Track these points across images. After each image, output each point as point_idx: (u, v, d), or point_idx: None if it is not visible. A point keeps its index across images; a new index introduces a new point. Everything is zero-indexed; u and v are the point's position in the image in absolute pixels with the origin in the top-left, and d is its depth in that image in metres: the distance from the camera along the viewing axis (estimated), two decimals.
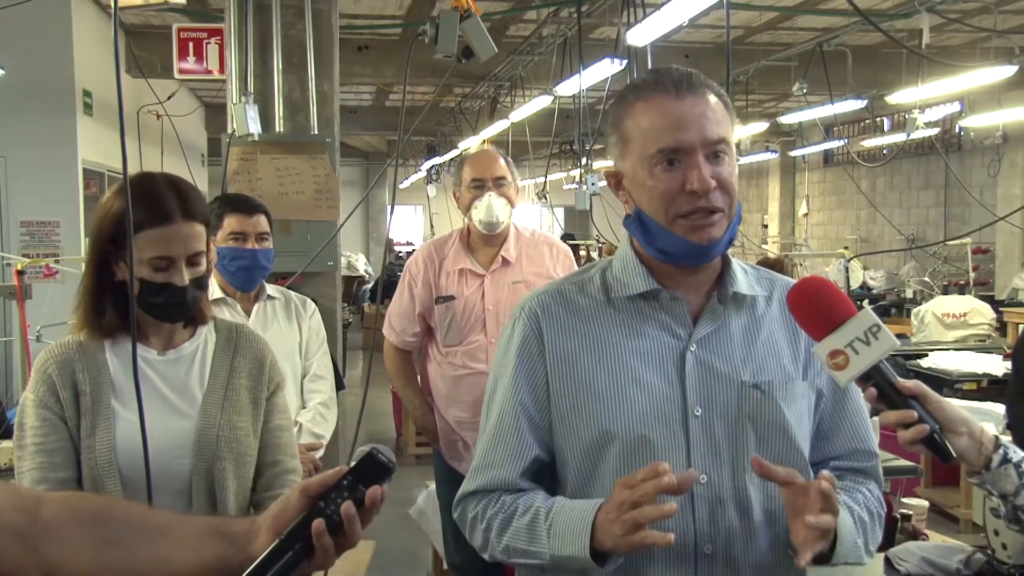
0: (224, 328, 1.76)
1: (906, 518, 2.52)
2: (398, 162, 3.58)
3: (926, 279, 10.00)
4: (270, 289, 2.78)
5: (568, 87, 6.67)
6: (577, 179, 9.75)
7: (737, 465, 1.33)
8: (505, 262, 2.98)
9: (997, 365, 5.33)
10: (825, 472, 1.22)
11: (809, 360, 1.40)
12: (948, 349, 6.03)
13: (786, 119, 10.74)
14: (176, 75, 5.97)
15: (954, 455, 1.20)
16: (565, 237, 12.58)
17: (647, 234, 1.35)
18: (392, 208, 3.57)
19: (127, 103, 2.21)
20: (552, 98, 7.50)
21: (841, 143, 11.97)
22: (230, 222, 2.59)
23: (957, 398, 4.87)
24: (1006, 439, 1.28)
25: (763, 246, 14.47)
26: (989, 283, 10.34)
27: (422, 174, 16.05)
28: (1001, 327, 7.90)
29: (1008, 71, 6.64)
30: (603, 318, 1.40)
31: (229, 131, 3.89)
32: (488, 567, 3.02)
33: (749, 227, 16.02)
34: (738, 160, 1.37)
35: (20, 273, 4.17)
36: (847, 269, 8.30)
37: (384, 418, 7.48)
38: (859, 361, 1.19)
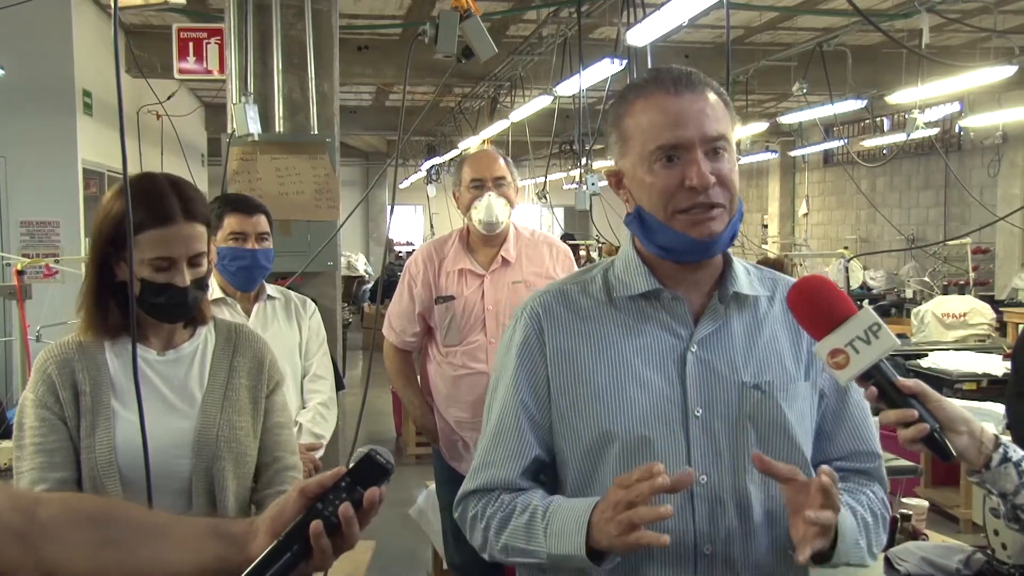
0: (224, 328, 1.76)
1: (906, 518, 2.52)
2: (398, 162, 3.58)
3: (926, 279, 10.01)
4: (270, 289, 2.78)
5: (568, 87, 6.67)
6: (577, 179, 9.76)
7: (737, 465, 1.33)
8: (505, 262, 2.98)
9: (997, 365, 5.33)
10: (825, 467, 1.22)
11: (811, 360, 1.39)
12: (948, 349, 6.03)
13: (786, 119, 10.74)
14: (176, 75, 5.97)
15: (954, 454, 1.20)
16: (565, 237, 12.58)
17: (647, 231, 1.36)
18: (392, 208, 3.57)
19: (127, 103, 2.21)
20: (552, 98, 7.50)
21: (841, 143, 11.97)
22: (230, 222, 2.59)
23: (957, 398, 4.86)
24: (1006, 439, 1.28)
25: (763, 246, 14.47)
26: (989, 283, 10.34)
27: (422, 174, 16.05)
28: (1001, 327, 7.90)
29: (1008, 71, 6.64)
30: (604, 318, 1.40)
31: (229, 131, 3.89)
32: (488, 567, 3.02)
33: (749, 227, 16.03)
34: (738, 160, 1.37)
35: (20, 273, 4.18)
36: (847, 269, 8.30)
37: (384, 418, 7.48)
38: (859, 360, 1.19)
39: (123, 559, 1.06)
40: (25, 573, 1.05)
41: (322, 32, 4.00)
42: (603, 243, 11.06)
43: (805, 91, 8.04)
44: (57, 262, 5.82)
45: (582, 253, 11.47)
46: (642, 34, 5.00)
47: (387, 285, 8.39)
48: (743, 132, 11.11)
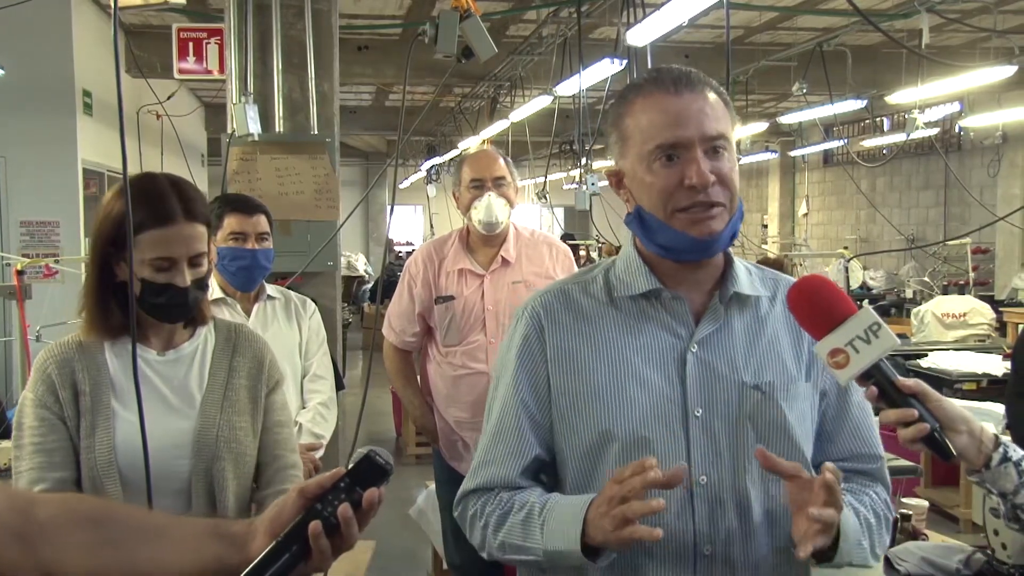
0: (223, 328, 1.76)
1: (906, 518, 2.53)
2: (398, 162, 3.58)
3: (926, 279, 10.00)
4: (270, 289, 2.78)
5: (568, 87, 6.67)
6: (577, 179, 9.76)
7: (737, 466, 1.33)
8: (505, 262, 2.98)
9: (997, 365, 5.33)
10: (830, 464, 1.21)
11: (812, 361, 1.39)
12: (948, 349, 6.03)
13: (786, 119, 10.74)
14: (176, 75, 5.97)
15: (954, 453, 1.20)
16: (565, 237, 12.59)
17: (647, 231, 1.36)
18: (392, 208, 3.57)
19: (127, 103, 2.21)
20: (552, 98, 7.50)
21: (841, 143, 11.98)
22: (230, 222, 2.59)
23: (957, 398, 4.86)
24: (1006, 439, 1.28)
25: (763, 246, 14.48)
26: (989, 283, 10.34)
27: (422, 174, 16.05)
28: (1001, 327, 7.90)
29: (1008, 71, 6.65)
30: (605, 318, 1.40)
31: (229, 131, 3.89)
32: (488, 567, 3.02)
33: (749, 227, 16.03)
34: (739, 159, 1.37)
35: (20, 273, 4.18)
36: (847, 269, 8.30)
37: (384, 418, 7.48)
38: (859, 360, 1.19)
39: (122, 560, 1.06)
40: (25, 573, 1.05)
41: (322, 32, 4.00)
42: (603, 243, 11.06)
43: (805, 91, 8.04)
44: (57, 262, 5.83)
45: (582, 253, 11.48)
46: (642, 34, 5.00)
47: (387, 285, 8.39)
48: (743, 132, 11.11)
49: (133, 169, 1.46)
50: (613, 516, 1.19)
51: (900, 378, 1.20)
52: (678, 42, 8.18)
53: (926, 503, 2.69)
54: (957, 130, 11.00)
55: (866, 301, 9.14)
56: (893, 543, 2.34)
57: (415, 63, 3.25)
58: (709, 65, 8.25)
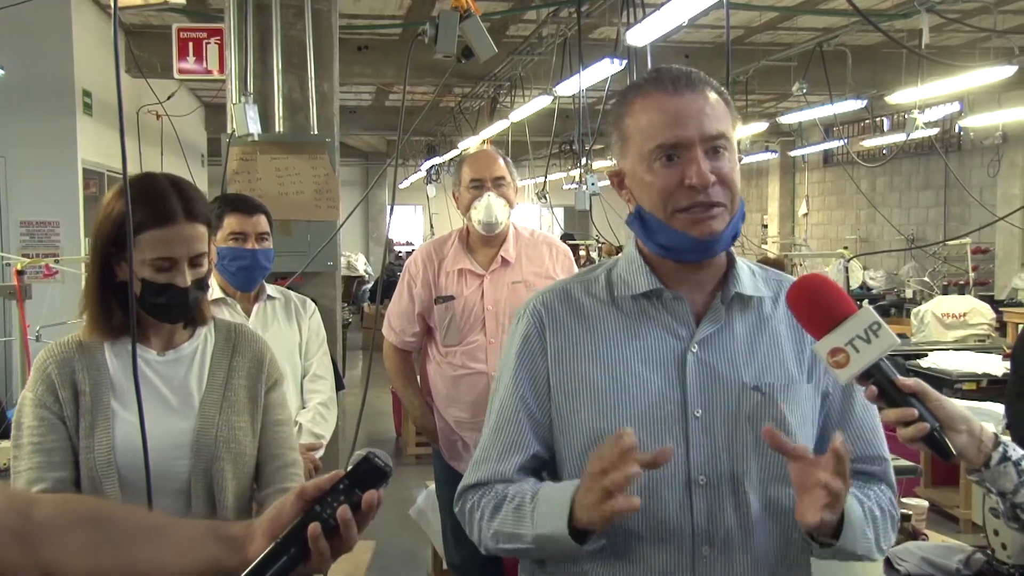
0: (223, 328, 1.76)
1: (906, 518, 2.52)
2: (398, 162, 3.58)
3: (926, 279, 10.00)
4: (270, 289, 2.78)
5: (568, 87, 6.67)
6: (577, 179, 9.77)
7: (737, 467, 1.33)
8: (504, 262, 2.98)
9: (997, 365, 5.33)
10: (839, 435, 1.20)
11: (814, 362, 1.38)
12: (948, 349, 6.03)
13: (786, 119, 10.74)
14: (176, 75, 5.97)
15: (954, 453, 1.20)
16: (565, 237, 12.59)
17: (648, 231, 1.35)
18: (392, 208, 3.58)
19: (127, 103, 2.22)
20: (552, 98, 7.50)
21: (841, 143, 11.98)
22: (230, 222, 2.59)
23: (957, 398, 4.86)
24: (1005, 438, 1.28)
25: (763, 246, 14.48)
26: (989, 283, 10.34)
27: (422, 174, 16.05)
28: (1001, 327, 7.90)
29: (1008, 71, 6.65)
30: (606, 317, 1.40)
31: (229, 131, 3.89)
32: (488, 567, 3.03)
33: (749, 227, 16.03)
34: (740, 159, 1.37)
35: (20, 273, 4.18)
36: (847, 269, 8.30)
37: (384, 418, 7.49)
38: (859, 359, 1.19)
39: (121, 560, 1.06)
40: (25, 574, 1.05)
41: (322, 32, 4.00)
42: (603, 243, 11.06)
43: (805, 91, 8.04)
44: (57, 262, 5.83)
45: (582, 253, 11.48)
46: (642, 34, 5.00)
47: (387, 285, 8.39)
48: (743, 132, 11.11)
49: (133, 169, 1.46)
50: (593, 490, 1.19)
51: (900, 377, 1.20)
52: (678, 42, 8.18)
53: (926, 503, 2.69)
54: (957, 130, 11.01)
55: (866, 301, 9.13)
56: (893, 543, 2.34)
57: (415, 63, 3.25)
58: (709, 65, 8.24)
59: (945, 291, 9.44)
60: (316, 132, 3.98)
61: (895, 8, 7.34)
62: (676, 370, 1.35)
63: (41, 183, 6.56)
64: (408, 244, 19.74)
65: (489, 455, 1.41)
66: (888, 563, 2.24)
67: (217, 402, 1.66)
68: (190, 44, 5.76)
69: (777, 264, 7.53)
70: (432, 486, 3.44)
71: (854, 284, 9.10)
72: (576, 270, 2.98)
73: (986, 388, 5.17)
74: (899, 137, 10.06)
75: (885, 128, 12.07)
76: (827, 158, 14.51)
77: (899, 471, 3.08)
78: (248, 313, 2.70)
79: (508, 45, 8.08)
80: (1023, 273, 9.47)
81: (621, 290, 1.40)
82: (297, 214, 3.94)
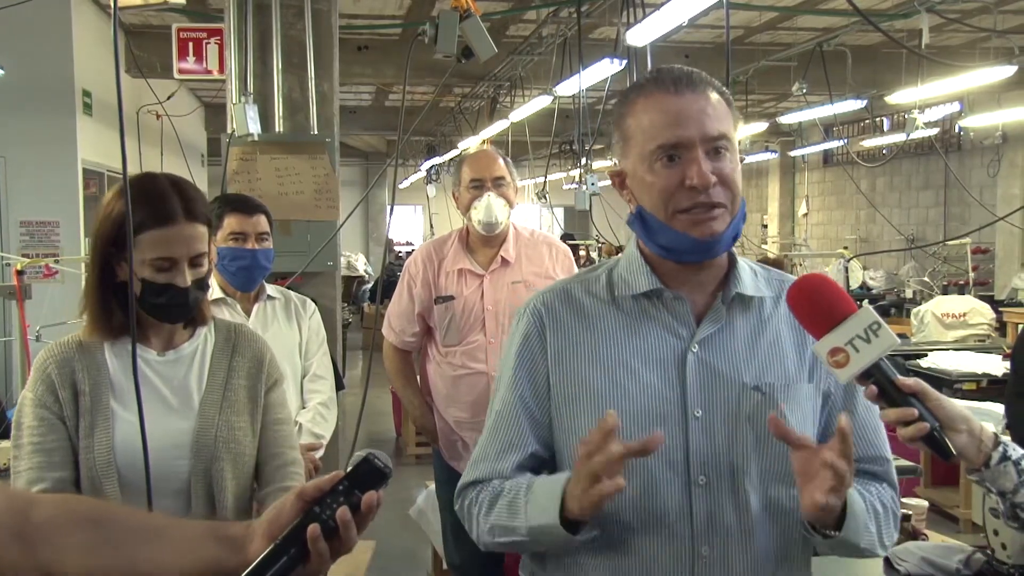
0: (223, 328, 1.76)
1: (906, 518, 2.52)
2: (398, 162, 3.58)
3: (926, 279, 10.00)
4: (270, 289, 2.78)
5: (568, 87, 6.67)
6: (577, 179, 9.76)
7: (736, 467, 1.32)
8: (504, 262, 2.98)
9: (997, 365, 5.33)
10: (844, 415, 1.20)
11: (816, 362, 1.38)
12: (948, 349, 6.03)
13: (786, 119, 10.75)
14: (176, 75, 5.97)
15: (954, 453, 1.20)
16: (565, 237, 12.59)
17: (648, 231, 1.35)
18: (392, 208, 3.58)
19: (127, 103, 2.22)
20: (552, 98, 7.50)
21: (841, 143, 11.98)
22: (230, 222, 2.59)
23: (957, 398, 4.86)
24: (1005, 438, 1.28)
25: (763, 246, 14.48)
26: (989, 283, 10.34)
27: (422, 174, 16.05)
28: (1001, 327, 7.90)
29: (1008, 71, 6.65)
30: (606, 317, 1.40)
31: (229, 131, 3.89)
32: (488, 566, 3.03)
33: (749, 227, 16.03)
34: (742, 160, 1.37)
35: (20, 273, 4.18)
36: (847, 269, 8.30)
37: (384, 418, 7.49)
38: (859, 359, 1.19)
39: (121, 560, 1.06)
40: (24, 574, 1.05)
41: (322, 32, 4.00)
42: (603, 243, 11.06)
43: (805, 91, 8.04)
44: (57, 262, 5.83)
45: (582, 253, 11.49)
46: (642, 34, 5.00)
47: (387, 285, 8.39)
48: (743, 132, 11.09)
49: (133, 169, 1.46)
50: (580, 474, 1.20)
51: (900, 377, 1.20)
52: (678, 42, 8.18)
53: (926, 503, 2.69)
54: (957, 130, 11.01)
55: (866, 301, 9.13)
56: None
57: (415, 63, 3.25)
58: (709, 65, 8.23)
59: (945, 291, 9.44)
60: (316, 132, 3.98)
61: (895, 8, 7.34)
62: (676, 370, 1.35)
63: (41, 183, 6.56)
64: (408, 244, 19.74)
65: (487, 454, 1.41)
66: (888, 563, 2.24)
67: (217, 402, 1.66)
68: (190, 44, 5.76)
69: (777, 264, 7.53)
70: (432, 486, 3.44)
71: (854, 284, 9.11)
72: (576, 270, 2.98)
73: (986, 388, 5.17)
74: (899, 137, 10.06)
75: (885, 128, 12.08)
76: (827, 158, 14.52)
77: (899, 471, 3.07)
78: (248, 313, 2.70)
79: (508, 45, 8.08)
80: (1023, 273, 9.47)
81: (622, 290, 1.40)
82: (297, 214, 3.94)
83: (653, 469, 1.31)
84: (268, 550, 1.01)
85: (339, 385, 3.02)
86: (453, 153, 12.90)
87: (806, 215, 15.23)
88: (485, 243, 3.00)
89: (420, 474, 4.78)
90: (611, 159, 1.43)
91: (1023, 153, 10.21)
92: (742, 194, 1.34)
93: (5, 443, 3.18)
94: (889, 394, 1.20)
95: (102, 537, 1.07)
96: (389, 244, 16.70)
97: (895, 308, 9.43)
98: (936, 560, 2.20)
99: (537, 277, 2.96)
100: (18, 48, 6.26)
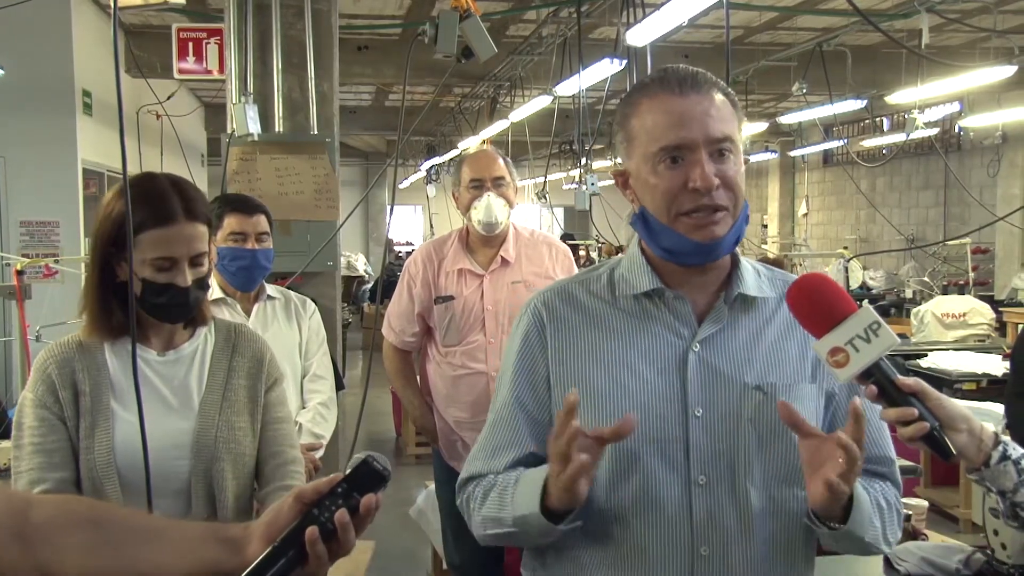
0: (223, 328, 1.76)
1: (906, 518, 2.52)
2: (398, 162, 3.58)
3: (926, 279, 10.00)
4: (270, 289, 2.78)
5: (568, 87, 6.67)
6: (577, 179, 9.76)
7: (737, 467, 1.32)
8: (504, 262, 2.98)
9: (996, 365, 5.33)
10: (857, 398, 1.20)
11: (818, 363, 1.37)
12: (948, 349, 6.03)
13: (786, 119, 10.75)
14: (176, 75, 5.97)
15: (954, 452, 1.20)
16: (565, 237, 12.58)
17: (651, 233, 1.35)
18: (392, 208, 3.58)
19: (127, 103, 2.22)
20: (552, 98, 7.50)
21: (841, 143, 11.98)
22: (230, 222, 2.59)
23: (956, 398, 4.86)
24: (1005, 438, 1.28)
25: (763, 246, 14.48)
26: (988, 283, 10.34)
27: (422, 174, 16.05)
28: (1001, 327, 7.90)
29: (1008, 71, 6.65)
30: (607, 316, 1.40)
31: (229, 131, 3.89)
32: (488, 566, 3.02)
33: (749, 227, 15.91)
34: (747, 160, 1.37)
35: (20, 273, 4.18)
36: (846, 269, 8.30)
37: (384, 418, 7.49)
38: (859, 358, 1.19)
39: (120, 562, 1.06)
40: (24, 575, 1.05)
41: (322, 32, 4.00)
42: (603, 243, 11.06)
43: (805, 91, 8.04)
44: (57, 262, 5.83)
45: (582, 253, 11.48)
46: (642, 34, 5.00)
47: (387, 285, 8.39)
48: (743, 132, 11.10)
49: (133, 169, 1.46)
50: (553, 456, 1.20)
51: (900, 377, 1.20)
52: (678, 42, 8.18)
53: (926, 503, 2.69)
54: (957, 130, 11.01)
55: (866, 301, 9.12)
56: None
57: (415, 63, 3.26)
58: (709, 65, 8.12)
59: (945, 291, 9.44)
60: (316, 132, 3.98)
61: (895, 8, 7.34)
62: (677, 369, 1.34)
63: (41, 183, 6.56)
64: (408, 244, 19.74)
65: (484, 451, 1.42)
66: (888, 563, 2.24)
67: (217, 402, 1.66)
68: (190, 44, 5.76)
69: (777, 264, 7.53)
70: (432, 486, 3.44)
71: (854, 284, 9.11)
72: (576, 270, 2.98)
73: (986, 388, 5.17)
74: (899, 137, 10.06)
75: (885, 128, 12.08)
76: (827, 158, 14.52)
77: (899, 471, 3.09)
78: (248, 313, 2.70)
79: (508, 45, 8.08)
80: (1023, 273, 9.47)
81: (623, 289, 1.40)
82: (297, 214, 3.94)
83: (653, 468, 1.31)
84: (266, 552, 1.01)
85: (339, 385, 3.02)
86: (453, 153, 12.90)
87: (806, 215, 15.24)
88: (485, 243, 3.00)
89: (420, 474, 4.78)
90: (610, 159, 1.43)
91: (1023, 153, 10.21)
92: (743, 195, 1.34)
93: (5, 443, 3.18)
94: (889, 394, 1.20)
95: (102, 538, 1.07)
96: (389, 244, 16.70)
97: (895, 308, 9.43)
98: (936, 560, 2.20)
99: (537, 277, 2.96)
100: (18, 48, 6.26)
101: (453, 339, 2.96)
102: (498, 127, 9.69)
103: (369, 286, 14.76)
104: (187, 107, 10.01)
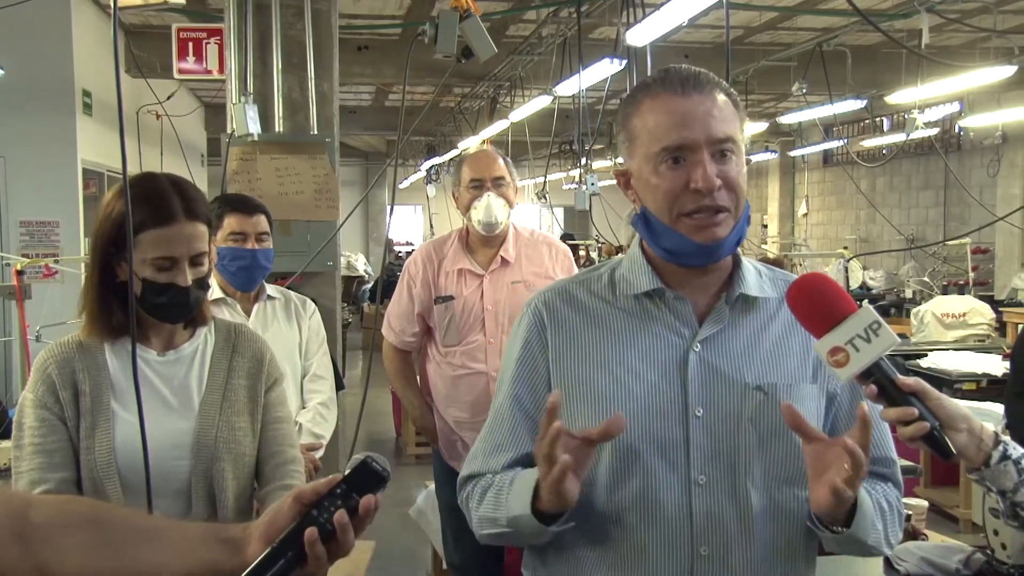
0: (223, 328, 1.76)
1: (906, 518, 2.52)
2: (398, 162, 3.58)
3: (925, 279, 10.00)
4: (270, 289, 2.78)
5: (568, 87, 6.67)
6: (577, 179, 9.76)
7: (737, 467, 1.32)
8: (504, 262, 2.98)
9: (996, 365, 5.33)
10: (863, 404, 1.19)
11: (819, 363, 1.37)
12: (947, 349, 6.03)
13: (786, 119, 10.75)
14: (176, 75, 5.97)
15: (954, 452, 1.20)
16: (564, 237, 12.58)
17: (652, 233, 1.35)
18: (392, 208, 3.58)
19: (127, 103, 2.22)
20: (552, 98, 7.50)
21: (841, 143, 11.98)
22: (230, 222, 2.59)
23: (956, 398, 4.85)
24: (1005, 437, 1.28)
25: (763, 246, 14.48)
26: (988, 283, 10.34)
27: (422, 174, 16.05)
28: (1000, 327, 7.90)
29: (1008, 71, 6.65)
30: (607, 316, 1.40)
31: (229, 131, 3.89)
32: (488, 566, 3.02)
33: (749, 227, 16.02)
34: (749, 161, 1.36)
35: (20, 273, 4.18)
36: (846, 269, 8.30)
37: (384, 418, 7.49)
38: (859, 358, 1.19)
39: (120, 562, 1.06)
40: (24, 575, 1.05)
41: (322, 32, 4.00)
42: (603, 243, 11.06)
43: (805, 91, 8.04)
44: (57, 262, 5.83)
45: (581, 253, 11.48)
46: (642, 34, 5.00)
47: (387, 285, 8.39)
48: (744, 132, 11.11)
49: (133, 169, 1.46)
50: (539, 457, 1.20)
51: (900, 376, 1.20)
52: (678, 42, 8.18)
53: (926, 503, 2.69)
54: (957, 130, 11.01)
55: (866, 301, 9.10)
56: None
57: (415, 63, 3.26)
58: (709, 65, 8.10)
59: (945, 291, 9.43)
60: (316, 132, 3.98)
61: (895, 8, 7.34)
62: (678, 369, 1.34)
63: (41, 183, 6.56)
64: (408, 244, 19.74)
65: (482, 451, 1.43)
66: (888, 563, 2.24)
67: (217, 402, 1.66)
68: (190, 44, 5.76)
69: (777, 264, 7.53)
70: (432, 486, 3.44)
71: (854, 284, 9.11)
72: (576, 270, 2.98)
73: (986, 388, 5.17)
74: (899, 137, 10.06)
75: (885, 128, 12.08)
76: (827, 158, 14.52)
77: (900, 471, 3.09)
78: (248, 313, 2.70)
79: (508, 45, 8.08)
80: (1023, 273, 9.47)
81: (623, 289, 1.40)
82: (297, 214, 3.94)
83: (653, 468, 1.31)
84: (265, 553, 1.00)
85: (339, 385, 3.02)
86: (453, 153, 12.89)
87: (806, 215, 15.24)
88: (485, 243, 3.00)
89: (420, 474, 4.78)
90: (610, 159, 1.43)
91: (1023, 153, 10.21)
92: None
93: (6, 443, 3.18)
94: (889, 393, 1.19)
95: (101, 538, 1.07)
96: (389, 244, 16.70)
97: (895, 308, 9.43)
98: (936, 560, 2.20)
99: (537, 277, 2.96)
100: (18, 48, 6.27)
101: (453, 339, 2.96)
102: (498, 127, 9.69)
103: (369, 286, 14.75)
104: (187, 107, 10.01)
